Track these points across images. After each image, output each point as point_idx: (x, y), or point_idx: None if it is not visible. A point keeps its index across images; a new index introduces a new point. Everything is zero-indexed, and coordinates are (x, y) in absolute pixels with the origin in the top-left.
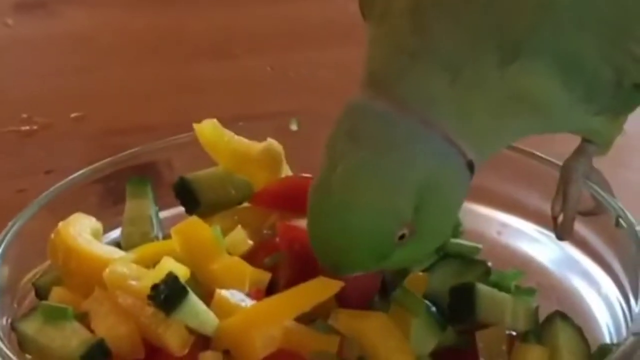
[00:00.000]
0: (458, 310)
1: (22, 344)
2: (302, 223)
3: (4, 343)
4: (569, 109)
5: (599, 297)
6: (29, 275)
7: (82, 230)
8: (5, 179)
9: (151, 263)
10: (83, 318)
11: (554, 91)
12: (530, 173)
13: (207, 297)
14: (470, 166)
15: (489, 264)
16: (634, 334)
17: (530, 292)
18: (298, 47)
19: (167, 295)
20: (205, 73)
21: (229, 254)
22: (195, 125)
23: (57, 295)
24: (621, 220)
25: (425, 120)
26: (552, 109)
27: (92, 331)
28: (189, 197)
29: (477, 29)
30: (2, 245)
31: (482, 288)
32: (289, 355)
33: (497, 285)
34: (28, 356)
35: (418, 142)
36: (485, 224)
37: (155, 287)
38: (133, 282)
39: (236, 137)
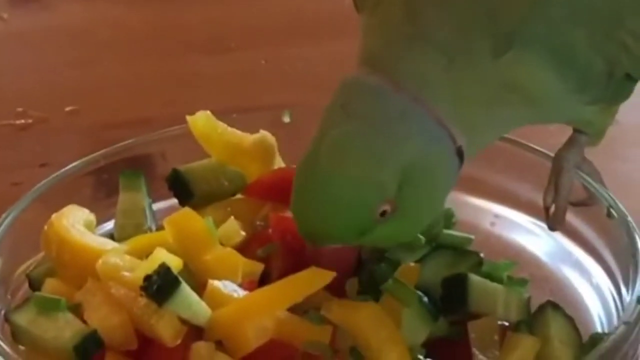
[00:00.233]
0: (450, 300)
1: (15, 335)
2: None
3: None
4: (562, 99)
5: (591, 287)
6: (23, 267)
7: (75, 222)
8: (0, 172)
9: (144, 254)
10: (76, 309)
11: (547, 82)
12: (524, 164)
13: (200, 288)
14: (460, 153)
15: (482, 254)
16: (625, 324)
17: (523, 282)
18: (292, 40)
19: (160, 286)
20: (200, 66)
21: (222, 245)
22: (188, 118)
23: (51, 287)
24: (612, 211)
25: (418, 99)
26: (545, 99)
27: (85, 322)
28: (182, 189)
29: (471, 18)
30: None
31: (474, 279)
32: (282, 346)
33: (489, 276)
34: (22, 347)
35: (409, 120)
36: (479, 215)
37: (147, 278)
38: (126, 273)
39: (229, 129)
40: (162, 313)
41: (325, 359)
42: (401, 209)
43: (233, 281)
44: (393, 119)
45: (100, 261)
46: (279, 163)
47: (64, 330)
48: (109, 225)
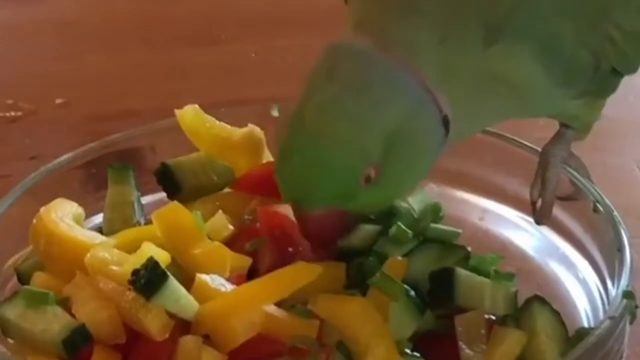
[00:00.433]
0: (437, 294)
1: (4, 328)
2: (283, 208)
3: None
4: (548, 92)
5: (577, 282)
6: (12, 260)
7: (64, 216)
8: None
9: (132, 248)
10: (65, 303)
11: (534, 75)
12: (512, 159)
13: (188, 282)
14: (446, 123)
15: (469, 249)
16: (610, 318)
17: (510, 276)
18: (282, 33)
19: (148, 280)
20: (190, 59)
21: (210, 239)
22: (176, 111)
23: (39, 280)
24: (599, 206)
25: (405, 63)
26: (531, 92)
27: (73, 316)
28: (170, 183)
29: (466, 5)
30: None
31: (461, 272)
32: (269, 340)
33: (476, 270)
34: (10, 340)
35: (395, 83)
36: (467, 210)
37: (135, 272)
38: (114, 267)
39: (218, 123)
40: (150, 307)
41: (312, 353)
42: (386, 174)
43: (221, 275)
44: (378, 83)
45: (88, 255)
46: (267, 157)
47: (52, 323)
48: (98, 218)
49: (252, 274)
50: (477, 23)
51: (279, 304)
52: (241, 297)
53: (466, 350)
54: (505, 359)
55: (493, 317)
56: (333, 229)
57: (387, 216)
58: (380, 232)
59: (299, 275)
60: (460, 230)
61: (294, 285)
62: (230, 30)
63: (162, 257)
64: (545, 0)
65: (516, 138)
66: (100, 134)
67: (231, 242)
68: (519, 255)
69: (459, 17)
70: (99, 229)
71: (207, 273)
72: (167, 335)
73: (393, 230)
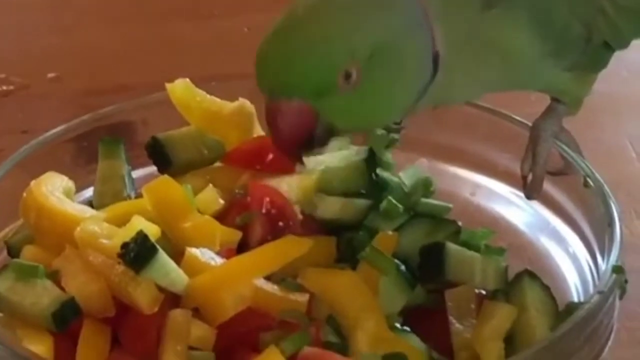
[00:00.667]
0: (428, 269)
1: None
2: (273, 182)
3: None
4: (539, 62)
5: (568, 256)
6: (2, 234)
7: (54, 189)
8: None
9: (122, 222)
10: (54, 276)
11: (526, 43)
12: (504, 134)
13: (178, 255)
14: (435, 61)
15: (460, 223)
16: (600, 293)
17: (500, 251)
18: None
19: (137, 253)
20: (182, 33)
21: (200, 213)
22: (167, 85)
23: (29, 254)
24: (589, 180)
25: None
26: (522, 60)
27: (63, 289)
28: (161, 157)
29: None
30: None
31: (451, 247)
32: (259, 314)
33: (467, 245)
34: (0, 314)
35: (398, 1)
36: (459, 185)
37: (125, 246)
38: (104, 241)
39: (208, 96)
40: (140, 280)
41: (302, 327)
42: (365, 82)
43: (211, 249)
44: None
45: (78, 228)
46: (258, 131)
47: (42, 297)
48: (89, 192)
49: (242, 248)
50: None
51: (268, 278)
52: (231, 270)
53: (456, 325)
54: (495, 333)
55: (483, 292)
56: (302, 127)
57: (378, 190)
58: (371, 206)
59: (289, 249)
60: (451, 205)
61: (284, 259)
62: (223, 5)
63: (152, 231)
64: None
65: (508, 113)
66: (92, 108)
67: (221, 216)
68: (510, 230)
69: None
70: (90, 203)
71: (197, 247)
72: (156, 309)
73: (384, 204)
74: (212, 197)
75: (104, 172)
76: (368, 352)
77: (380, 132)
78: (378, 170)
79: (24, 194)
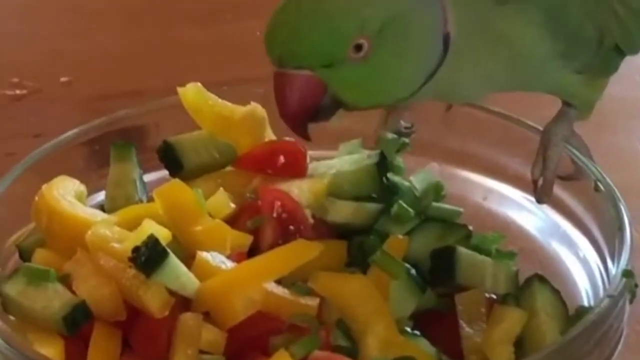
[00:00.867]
0: (438, 273)
1: (5, 305)
2: (284, 186)
3: None
4: (548, 61)
5: (578, 261)
6: (14, 237)
7: (65, 193)
8: None
9: (134, 226)
10: (65, 280)
11: (537, 41)
12: (515, 139)
13: (189, 259)
14: (446, 42)
15: (471, 228)
16: (610, 297)
17: (511, 255)
18: None
19: (148, 257)
20: (194, 37)
21: (211, 216)
22: (179, 89)
23: (40, 257)
24: (600, 185)
25: None
26: (531, 58)
27: (74, 293)
28: (172, 161)
29: None
30: None
31: (462, 251)
32: (269, 318)
33: (477, 249)
34: (11, 317)
35: None
36: (470, 189)
37: (136, 250)
38: (115, 245)
39: (220, 101)
40: (150, 284)
41: (312, 331)
42: (375, 55)
43: (221, 253)
44: None
45: (89, 232)
46: (269, 136)
47: (53, 300)
48: (101, 196)
49: (253, 252)
50: None
51: (279, 282)
52: (241, 274)
53: (466, 329)
54: (506, 337)
55: (494, 296)
56: (309, 97)
57: (389, 194)
58: (382, 210)
59: (299, 253)
60: (461, 209)
61: (294, 263)
62: (235, 9)
63: (163, 235)
64: None
65: (519, 117)
66: (104, 112)
67: (232, 220)
68: (521, 235)
69: None
70: (101, 207)
71: (208, 251)
72: (167, 313)
73: (395, 208)
74: (223, 201)
75: (116, 176)
76: (378, 356)
77: (391, 136)
78: (389, 175)
79: (36, 198)
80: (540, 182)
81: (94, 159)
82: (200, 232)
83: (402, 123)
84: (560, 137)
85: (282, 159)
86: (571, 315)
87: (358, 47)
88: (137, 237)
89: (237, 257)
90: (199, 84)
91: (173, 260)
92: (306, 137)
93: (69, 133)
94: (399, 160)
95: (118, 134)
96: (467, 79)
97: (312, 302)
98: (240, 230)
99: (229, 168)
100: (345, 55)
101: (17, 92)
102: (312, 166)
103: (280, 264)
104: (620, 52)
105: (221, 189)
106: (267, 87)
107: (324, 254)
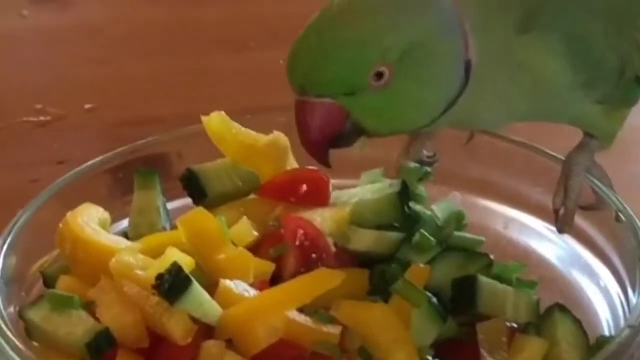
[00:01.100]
0: (460, 302)
1: (29, 331)
2: (307, 215)
3: (11, 331)
4: (570, 92)
5: (599, 290)
6: (38, 264)
7: (90, 221)
8: (19, 169)
9: (157, 253)
10: (89, 307)
11: (559, 71)
12: (537, 168)
13: (212, 287)
14: (467, 69)
15: (493, 257)
16: (630, 327)
17: (532, 284)
18: None
19: (172, 285)
20: (218, 66)
21: (235, 245)
22: (203, 118)
23: (65, 284)
24: (621, 215)
25: None
26: (553, 88)
27: (98, 320)
28: (196, 189)
29: None
30: (12, 235)
31: (484, 280)
32: (291, 346)
33: (499, 278)
34: (35, 344)
35: (433, 3)
36: (491, 218)
37: (160, 277)
38: (139, 272)
39: (243, 129)
40: (174, 312)
41: (334, 359)
42: (396, 82)
43: (244, 281)
44: None
45: (113, 260)
46: (292, 164)
47: (77, 327)
48: (124, 223)
49: (276, 279)
50: (514, 12)
51: (301, 310)
52: (264, 302)
53: (488, 358)
54: None
55: (515, 325)
56: (331, 125)
57: (411, 223)
58: (403, 239)
59: (322, 281)
60: (483, 239)
61: (316, 291)
62: (258, 37)
63: (187, 262)
64: None
65: (541, 147)
66: (128, 139)
67: (255, 248)
68: (542, 264)
69: (496, 4)
70: (125, 234)
71: (231, 279)
72: (190, 340)
73: (417, 237)
74: (246, 229)
75: (140, 203)
76: None
77: (413, 165)
78: (411, 204)
79: (60, 225)
80: (562, 212)
81: (118, 187)
82: (224, 260)
83: (425, 152)
84: (581, 168)
85: (304, 187)
86: (592, 345)
87: (379, 75)
88: (160, 265)
89: (260, 285)
90: (223, 112)
91: (196, 288)
92: (327, 164)
93: (94, 161)
94: (421, 189)
95: (142, 161)
96: (488, 107)
97: (335, 330)
98: (263, 259)
99: (252, 196)
100: (367, 83)
101: (42, 118)
102: (334, 195)
103: (303, 292)
104: None
105: (244, 217)
106: (289, 116)
107: (346, 282)
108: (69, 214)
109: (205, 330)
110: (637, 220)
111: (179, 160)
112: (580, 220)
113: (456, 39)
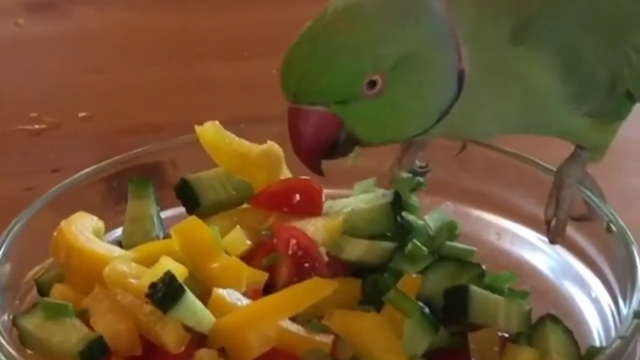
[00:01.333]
0: (451, 311)
1: (23, 339)
2: (300, 224)
3: (4, 339)
4: (560, 104)
5: (590, 301)
6: (32, 272)
7: (84, 229)
8: (13, 177)
9: (151, 262)
10: (83, 315)
11: (549, 82)
12: (529, 179)
13: (205, 296)
14: (460, 79)
15: (485, 267)
16: (621, 338)
17: (523, 294)
18: None
19: (165, 293)
20: (212, 75)
21: (228, 254)
22: (197, 127)
23: (58, 292)
24: (612, 226)
25: (445, 2)
26: (543, 99)
27: (91, 328)
28: (189, 198)
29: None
30: (6, 243)
31: (475, 290)
32: (283, 354)
33: (490, 288)
34: (29, 351)
35: (428, 10)
36: (483, 229)
37: (153, 286)
38: (132, 281)
39: (237, 139)
40: (167, 320)
41: None
42: (389, 91)
43: (237, 290)
44: (412, 4)
45: (107, 268)
46: (285, 174)
47: (70, 335)
48: (118, 232)
49: (268, 288)
50: (509, 18)
51: (294, 319)
52: (257, 311)
53: None
54: None
55: (506, 335)
56: (324, 134)
57: (403, 233)
58: (396, 249)
59: (314, 290)
60: (475, 249)
61: (309, 300)
62: (252, 46)
63: (180, 271)
64: (569, 9)
65: (533, 158)
66: (122, 147)
67: (248, 257)
68: (534, 274)
69: (490, 15)
70: (119, 243)
71: (224, 287)
72: (183, 348)
73: (409, 247)
74: (239, 239)
75: (133, 212)
76: None
77: (406, 175)
78: (403, 213)
79: (54, 233)
80: (553, 222)
81: (111, 195)
82: (217, 269)
83: (417, 162)
84: (573, 179)
85: (297, 197)
86: (583, 355)
87: (372, 84)
88: (154, 274)
89: (252, 294)
90: (217, 122)
91: (189, 296)
92: (320, 172)
93: (88, 169)
94: (414, 199)
95: (136, 170)
96: (481, 117)
97: (327, 339)
98: (255, 268)
99: (245, 205)
100: (359, 92)
101: (36, 126)
102: (327, 204)
103: (295, 301)
104: (631, 98)
105: (237, 226)
106: (283, 126)
107: (339, 291)
108: (63, 222)
109: (198, 339)
110: (628, 231)
111: (173, 169)
112: (571, 231)
113: (449, 49)
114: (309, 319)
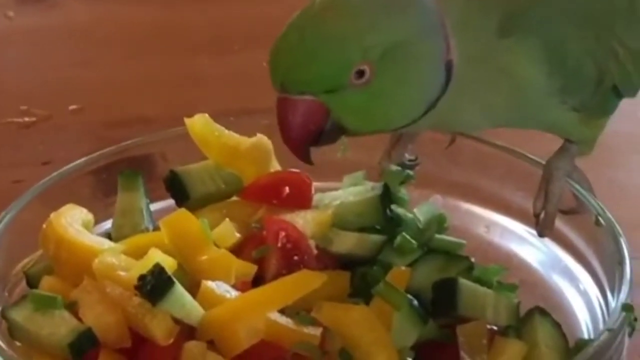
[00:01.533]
0: (440, 304)
1: (12, 331)
2: (289, 217)
3: None
4: (547, 97)
5: (579, 294)
6: (21, 264)
7: (73, 221)
8: (3, 170)
9: (140, 254)
10: (72, 307)
11: (536, 75)
12: (518, 173)
13: (194, 288)
14: (449, 69)
15: (474, 260)
16: (609, 330)
17: (512, 287)
18: None
19: (153, 285)
20: (202, 68)
21: (217, 246)
22: (186, 120)
23: (47, 284)
24: (600, 219)
25: None
26: (530, 92)
27: (80, 320)
28: (178, 190)
29: None
30: None
31: (464, 283)
32: (272, 347)
33: (479, 281)
34: (18, 343)
35: (415, 3)
36: (473, 222)
37: (142, 278)
38: (121, 273)
39: (226, 132)
40: (156, 312)
41: None
42: (377, 81)
43: (226, 282)
44: None
45: (96, 260)
46: (275, 166)
47: (59, 327)
48: (108, 224)
49: (257, 281)
50: (497, 11)
51: (283, 311)
52: (246, 303)
53: None
54: None
55: (495, 328)
56: (312, 122)
57: (393, 226)
58: (385, 241)
59: (303, 283)
60: (464, 242)
61: (298, 292)
62: (242, 40)
63: (169, 264)
64: (556, 2)
65: (522, 151)
66: (113, 140)
67: (237, 250)
68: (523, 267)
69: (477, 7)
70: (108, 235)
71: (213, 280)
72: (171, 340)
73: (398, 240)
74: (228, 231)
75: (123, 204)
76: None
77: (395, 168)
78: (393, 206)
79: (44, 226)
80: (542, 215)
81: (101, 188)
82: (206, 261)
83: (406, 155)
84: (562, 172)
85: (287, 189)
86: (571, 347)
87: (360, 73)
88: (143, 266)
89: (241, 286)
90: (206, 115)
91: (178, 289)
92: (309, 161)
93: (77, 162)
94: (403, 192)
95: (125, 163)
96: (468, 109)
97: (315, 331)
98: (245, 260)
99: (234, 198)
100: (348, 81)
101: (26, 119)
102: (316, 197)
103: (284, 294)
104: (618, 94)
105: (227, 219)
106: (272, 118)
107: (328, 284)
108: (53, 215)
109: (187, 331)
110: (616, 225)
111: (162, 162)
112: (560, 224)
113: (438, 39)
114: (298, 311)
